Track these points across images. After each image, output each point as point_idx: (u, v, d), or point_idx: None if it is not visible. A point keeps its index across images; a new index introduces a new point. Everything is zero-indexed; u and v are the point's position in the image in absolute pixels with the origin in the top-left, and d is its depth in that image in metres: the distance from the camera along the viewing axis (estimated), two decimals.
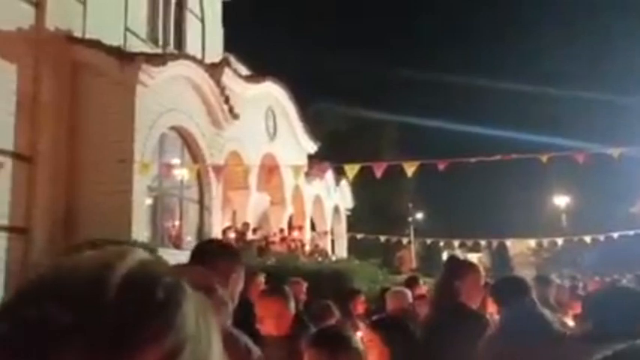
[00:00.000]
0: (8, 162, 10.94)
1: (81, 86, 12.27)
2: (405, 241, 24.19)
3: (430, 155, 17.32)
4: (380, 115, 38.75)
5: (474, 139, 36.52)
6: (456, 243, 21.09)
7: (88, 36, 13.20)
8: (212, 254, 2.18)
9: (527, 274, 13.47)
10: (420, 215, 36.02)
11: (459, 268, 3.38)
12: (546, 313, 2.96)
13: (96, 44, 12.55)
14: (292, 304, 3.38)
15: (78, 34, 13.00)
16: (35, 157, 11.45)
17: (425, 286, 7.63)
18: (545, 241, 23.33)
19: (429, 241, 22.25)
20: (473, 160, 10.06)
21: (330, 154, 21.44)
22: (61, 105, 11.96)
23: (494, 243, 22.08)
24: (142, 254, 0.56)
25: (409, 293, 5.10)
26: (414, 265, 29.17)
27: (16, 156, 11.20)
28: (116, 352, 0.47)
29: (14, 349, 0.47)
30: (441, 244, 22.49)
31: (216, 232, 14.36)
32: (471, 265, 3.53)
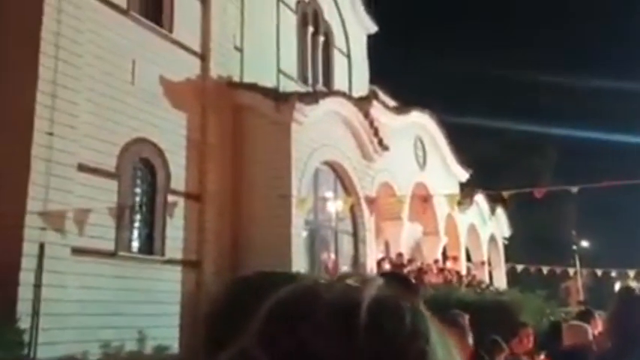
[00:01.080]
0: (181, 201, 11.97)
1: (241, 128, 13.15)
2: (571, 271, 22.50)
3: (594, 176, 16.07)
4: (535, 135, 36.87)
5: None
6: (632, 273, 19.14)
7: (245, 80, 14.20)
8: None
9: None
10: (585, 243, 33.38)
11: (632, 299, 3.11)
12: None
13: (253, 87, 13.43)
14: (470, 338, 3.27)
15: (236, 79, 14.04)
16: (204, 196, 12.41)
17: (600, 320, 7.02)
18: None
19: (599, 271, 20.44)
20: None
21: (484, 180, 20.76)
22: (225, 146, 12.90)
23: None
24: (376, 284, 0.56)
25: (589, 329, 4.72)
26: (581, 297, 26.98)
27: (187, 195, 12.23)
28: None
29: None
30: (613, 274, 20.54)
31: (370, 263, 14.45)
32: None
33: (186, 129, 12.47)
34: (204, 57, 13.19)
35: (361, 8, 20.79)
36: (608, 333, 3.40)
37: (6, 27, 9.88)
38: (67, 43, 9.96)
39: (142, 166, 11.57)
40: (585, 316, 6.36)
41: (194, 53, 13.04)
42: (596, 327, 6.02)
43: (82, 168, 10.10)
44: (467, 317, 6.51)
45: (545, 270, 20.25)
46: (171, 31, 12.47)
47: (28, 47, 9.68)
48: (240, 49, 14.72)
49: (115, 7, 11.22)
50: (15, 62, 9.70)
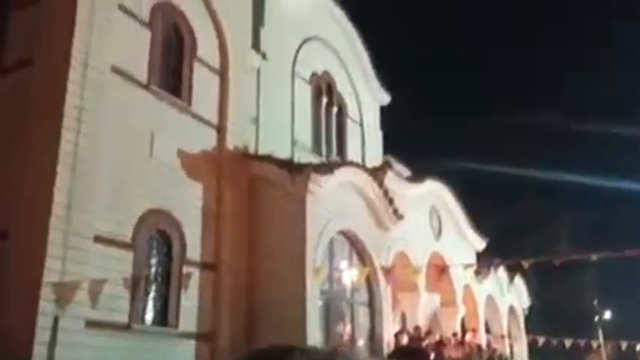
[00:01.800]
0: (196, 272, 11.88)
1: (256, 198, 13.21)
2: (594, 344, 21.76)
3: (615, 243, 15.79)
4: (552, 201, 36.69)
5: None
6: None
7: (261, 151, 14.39)
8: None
9: None
10: (608, 314, 32.47)
11: None
12: None
13: (268, 159, 13.58)
14: None
15: (252, 150, 14.23)
16: (219, 266, 12.33)
17: None
18: None
19: (624, 344, 19.72)
20: None
21: (501, 249, 20.50)
22: (240, 216, 12.92)
23: None
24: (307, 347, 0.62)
25: None
26: None
27: (203, 266, 12.15)
28: None
29: None
30: (638, 347, 19.81)
31: (387, 336, 14.10)
32: None
33: (202, 200, 12.55)
34: (220, 129, 13.44)
35: (374, 80, 21.28)
36: None
37: (30, 102, 10.19)
38: (88, 117, 10.21)
39: (158, 236, 11.58)
40: None
41: (211, 125, 13.30)
42: None
43: (98, 239, 10.12)
44: None
45: (567, 343, 19.60)
46: (189, 103, 12.78)
47: (51, 121, 9.92)
48: (256, 121, 15.00)
49: (137, 83, 11.56)
50: (38, 135, 9.93)
